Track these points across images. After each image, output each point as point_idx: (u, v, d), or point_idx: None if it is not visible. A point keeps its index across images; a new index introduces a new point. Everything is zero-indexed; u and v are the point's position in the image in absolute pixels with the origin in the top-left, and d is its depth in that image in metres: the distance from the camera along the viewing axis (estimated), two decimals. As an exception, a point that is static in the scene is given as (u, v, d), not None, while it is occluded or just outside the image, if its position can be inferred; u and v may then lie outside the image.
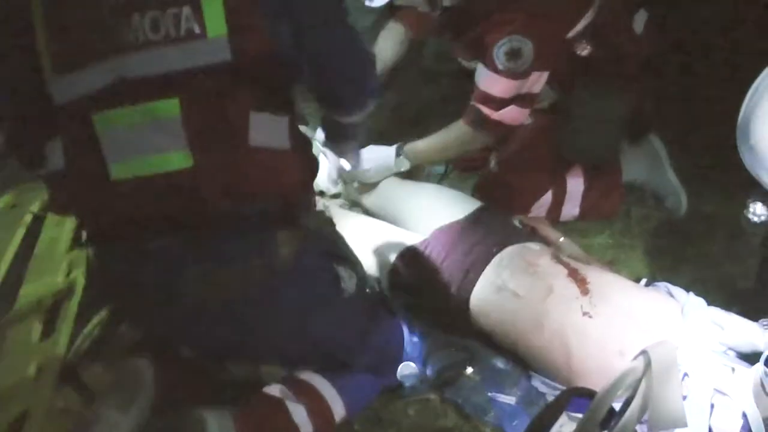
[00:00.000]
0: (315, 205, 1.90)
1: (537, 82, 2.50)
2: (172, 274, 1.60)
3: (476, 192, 2.78)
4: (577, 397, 1.45)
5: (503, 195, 2.72)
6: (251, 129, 1.53)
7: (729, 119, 3.62)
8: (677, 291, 2.27)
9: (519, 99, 2.50)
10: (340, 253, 1.87)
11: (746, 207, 2.17)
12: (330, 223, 2.35)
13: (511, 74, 2.41)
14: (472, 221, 2.46)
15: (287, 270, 1.65)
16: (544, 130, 2.73)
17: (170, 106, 1.48)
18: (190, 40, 1.45)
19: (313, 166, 1.80)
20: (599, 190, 2.85)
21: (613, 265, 2.68)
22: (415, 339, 2.25)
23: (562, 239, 2.53)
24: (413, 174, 2.88)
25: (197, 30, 1.44)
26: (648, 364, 1.36)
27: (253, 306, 1.67)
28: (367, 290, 2.04)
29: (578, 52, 2.60)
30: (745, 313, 2.48)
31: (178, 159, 1.51)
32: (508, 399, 2.10)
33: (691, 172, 3.04)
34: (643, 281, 2.41)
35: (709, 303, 2.30)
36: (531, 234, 2.53)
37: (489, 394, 2.11)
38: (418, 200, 2.65)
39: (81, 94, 1.52)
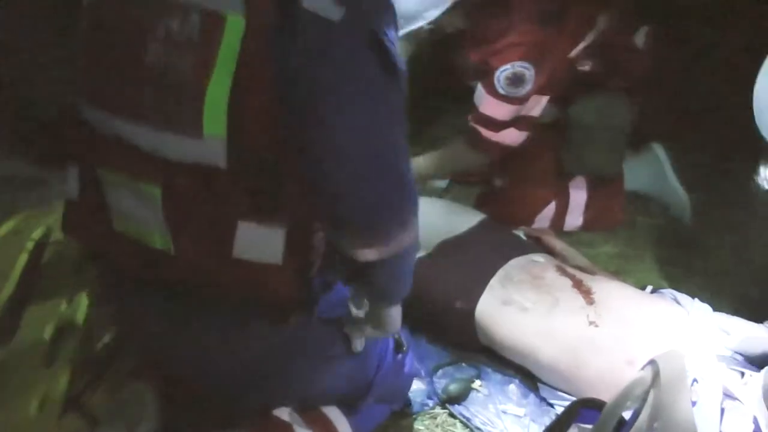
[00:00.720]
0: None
1: (536, 105, 2.52)
2: (170, 328, 1.55)
3: (479, 205, 2.77)
4: (587, 408, 1.43)
5: (506, 208, 2.72)
6: (236, 240, 1.39)
7: (731, 125, 3.63)
8: (683, 298, 2.27)
9: (518, 121, 2.50)
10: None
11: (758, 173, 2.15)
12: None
13: (510, 99, 2.42)
14: (475, 234, 2.46)
15: (288, 339, 1.56)
16: (547, 143, 2.72)
17: (153, 192, 1.39)
18: (184, 134, 1.33)
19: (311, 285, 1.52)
20: (602, 200, 2.84)
21: (618, 274, 2.66)
22: (422, 355, 2.24)
23: (568, 249, 2.52)
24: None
25: (194, 124, 1.31)
26: (657, 374, 1.34)
27: (254, 367, 1.60)
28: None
29: (579, 68, 2.61)
30: (754, 319, 2.49)
31: (160, 240, 1.43)
32: (518, 412, 2.08)
33: (695, 179, 3.03)
34: (649, 288, 2.40)
35: (717, 310, 2.30)
36: (535, 245, 2.52)
37: (498, 407, 2.10)
38: (422, 215, 2.63)
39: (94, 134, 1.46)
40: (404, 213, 1.38)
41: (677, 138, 3.22)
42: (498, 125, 2.48)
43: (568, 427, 1.51)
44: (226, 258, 1.38)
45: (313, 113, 1.27)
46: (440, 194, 3.06)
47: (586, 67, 2.61)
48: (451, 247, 2.38)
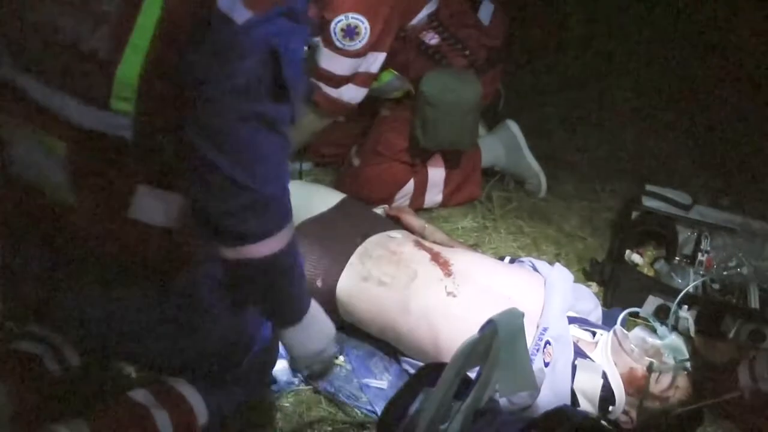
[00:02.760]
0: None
1: (375, 62, 2.53)
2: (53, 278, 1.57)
3: (339, 186, 2.78)
4: (437, 372, 1.46)
5: (365, 188, 2.74)
6: (134, 201, 1.44)
7: (583, 101, 3.80)
8: (541, 265, 2.35)
9: (357, 78, 2.53)
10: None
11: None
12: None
13: (347, 52, 2.44)
14: (334, 214, 2.46)
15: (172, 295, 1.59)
16: (401, 121, 2.75)
17: (58, 146, 1.40)
18: (92, 105, 1.35)
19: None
20: (460, 176, 2.90)
21: (477, 247, 2.74)
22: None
23: (426, 226, 2.56)
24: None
25: (102, 98, 1.34)
26: (494, 332, 1.39)
27: (133, 321, 1.61)
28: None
29: (426, 41, 2.65)
30: (603, 282, 2.62)
31: (60, 192, 1.45)
32: (380, 384, 2.12)
33: (546, 154, 3.15)
34: (507, 259, 2.47)
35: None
36: (394, 223, 2.55)
37: (361, 381, 2.12)
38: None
39: None
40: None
41: (529, 113, 3.36)
42: (337, 80, 2.49)
43: (418, 392, 1.54)
44: (122, 216, 1.44)
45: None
46: (302, 176, 3.04)
47: (432, 41, 2.66)
48: (310, 227, 2.38)
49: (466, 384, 1.43)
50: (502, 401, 1.90)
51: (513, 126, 3.05)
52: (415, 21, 2.57)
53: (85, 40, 1.34)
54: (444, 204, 2.93)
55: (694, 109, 3.83)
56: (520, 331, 1.47)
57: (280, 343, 1.99)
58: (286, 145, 1.43)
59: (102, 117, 1.36)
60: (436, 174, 2.87)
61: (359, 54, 2.46)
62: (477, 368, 1.46)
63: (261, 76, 1.32)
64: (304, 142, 2.78)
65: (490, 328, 1.37)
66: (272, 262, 1.47)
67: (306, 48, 1.43)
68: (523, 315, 1.48)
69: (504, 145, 3.05)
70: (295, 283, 1.59)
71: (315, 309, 1.69)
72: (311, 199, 2.55)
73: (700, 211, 2.76)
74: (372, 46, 2.46)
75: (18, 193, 1.51)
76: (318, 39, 2.48)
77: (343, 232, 2.33)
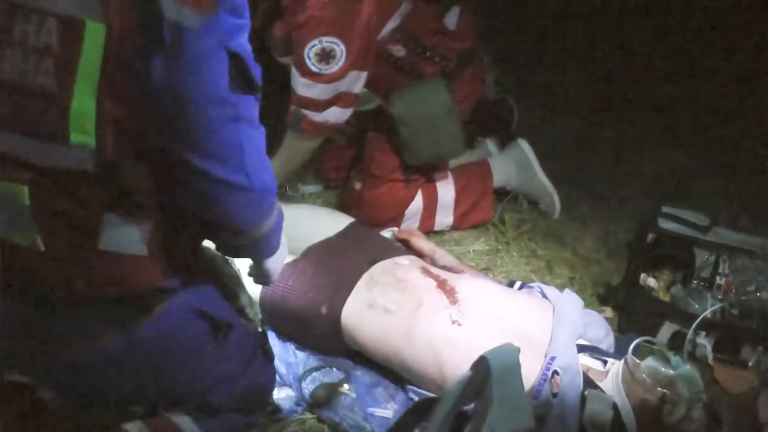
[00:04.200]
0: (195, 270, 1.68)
1: (357, 81, 2.49)
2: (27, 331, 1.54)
3: (344, 211, 2.75)
4: (433, 407, 1.42)
5: (370, 211, 2.71)
6: (102, 232, 1.42)
7: (600, 120, 3.75)
8: (550, 291, 2.29)
9: (339, 100, 2.48)
10: (212, 309, 1.72)
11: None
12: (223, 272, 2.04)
13: (322, 76, 2.39)
14: (341, 239, 2.42)
15: (145, 332, 1.57)
16: (388, 141, 2.71)
17: (20, 192, 1.36)
18: (49, 142, 1.31)
19: (182, 270, 1.60)
20: (471, 198, 2.86)
21: (489, 271, 2.69)
22: (290, 361, 2.20)
23: (436, 249, 2.52)
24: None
25: (59, 133, 1.31)
26: (487, 368, 1.34)
27: (109, 361, 1.58)
28: (249, 333, 1.92)
29: (394, 54, 2.60)
30: (618, 307, 2.56)
31: (25, 238, 1.41)
32: (385, 413, 2.06)
33: (560, 174, 3.10)
34: (518, 284, 2.42)
35: (585, 300, 2.34)
36: (403, 248, 2.51)
37: (366, 410, 2.07)
38: (290, 221, 2.59)
39: None
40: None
41: (542, 133, 3.31)
42: (319, 105, 2.45)
43: (413, 427, 1.49)
44: (93, 250, 1.42)
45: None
46: (312, 200, 3.03)
47: (400, 53, 2.60)
48: (317, 252, 2.34)
49: (464, 420, 1.38)
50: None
51: (524, 144, 3.01)
52: (381, 35, 2.52)
53: (31, 78, 1.29)
54: (455, 227, 2.89)
55: (713, 129, 3.76)
56: (515, 366, 1.42)
57: (276, 369, 1.97)
58: (264, 136, 1.49)
59: (62, 152, 1.32)
60: (446, 195, 2.83)
61: (336, 77, 2.41)
62: (473, 404, 1.41)
63: (231, 75, 1.33)
64: (301, 163, 2.74)
65: (482, 364, 1.32)
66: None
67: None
68: (518, 351, 1.43)
69: (515, 164, 3.00)
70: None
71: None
72: (320, 222, 2.52)
73: (718, 233, 2.68)
74: (351, 65, 2.41)
75: None
76: (289, 62, 2.45)
77: (349, 258, 2.29)
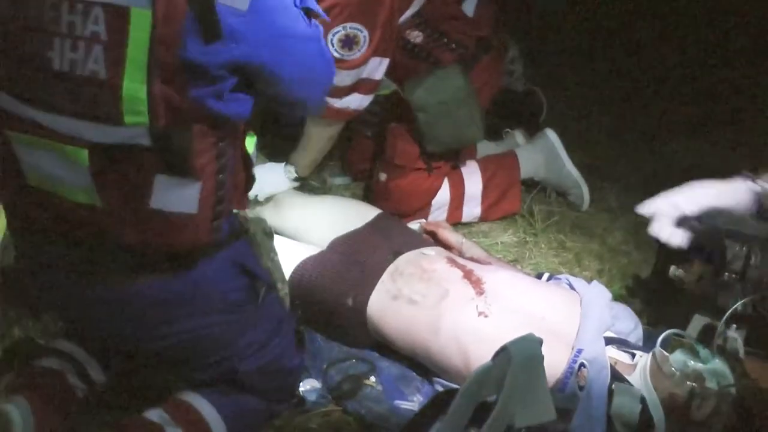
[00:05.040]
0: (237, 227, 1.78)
1: (377, 68, 2.48)
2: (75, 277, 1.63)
3: (371, 202, 2.75)
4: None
5: (397, 202, 2.71)
6: (154, 192, 1.50)
7: (632, 111, 3.71)
8: (578, 283, 2.27)
9: (360, 86, 2.48)
10: (252, 266, 1.79)
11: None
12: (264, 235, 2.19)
13: (346, 62, 2.39)
14: (369, 230, 2.43)
15: (186, 281, 1.64)
16: (408, 129, 2.71)
17: (80, 155, 1.45)
18: (104, 124, 1.41)
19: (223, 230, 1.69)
20: (499, 188, 2.85)
21: (517, 263, 2.67)
22: (315, 353, 2.21)
23: (463, 241, 2.51)
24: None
25: (113, 116, 1.40)
26: (508, 359, 1.33)
27: (145, 302, 1.64)
28: (282, 305, 1.95)
29: (411, 40, 2.60)
30: (648, 300, 2.53)
31: (85, 196, 1.50)
32: (411, 406, 2.06)
33: (589, 166, 3.07)
34: (546, 276, 2.40)
35: (614, 292, 2.32)
36: (429, 239, 2.50)
37: (392, 402, 2.07)
38: (316, 212, 2.61)
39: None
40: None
41: (570, 123, 3.27)
42: (340, 91, 2.45)
43: (434, 419, 1.48)
44: (144, 208, 1.51)
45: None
46: (340, 191, 3.03)
47: (417, 39, 2.60)
48: (343, 244, 2.35)
49: (486, 410, 1.37)
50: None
51: (551, 135, 2.98)
52: (400, 20, 2.51)
53: (81, 66, 1.37)
54: (483, 218, 2.87)
55: (747, 121, 3.70)
56: (537, 357, 1.40)
57: (304, 356, 1.98)
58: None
59: (117, 132, 1.41)
60: (473, 185, 2.81)
61: (359, 63, 2.41)
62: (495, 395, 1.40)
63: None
64: (322, 152, 2.74)
65: (503, 355, 1.31)
66: None
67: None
68: (540, 341, 1.41)
69: (543, 154, 2.98)
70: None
71: None
72: (346, 214, 2.53)
73: (750, 225, 2.63)
74: (374, 52, 2.41)
75: (36, 203, 1.56)
76: None
77: (375, 250, 2.30)
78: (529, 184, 3.01)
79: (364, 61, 2.40)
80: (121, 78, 1.36)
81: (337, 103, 2.46)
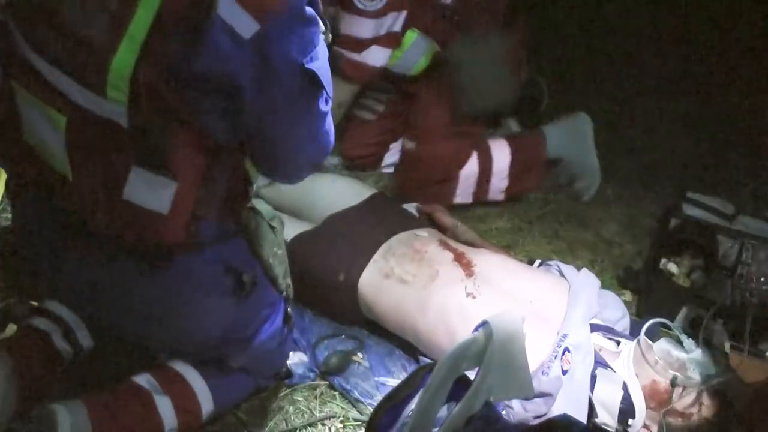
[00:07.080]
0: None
1: (396, 21, 2.53)
2: (56, 245, 1.63)
3: (399, 172, 2.80)
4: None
5: (427, 168, 2.75)
6: (128, 183, 1.46)
7: (624, 102, 3.71)
8: (568, 270, 2.29)
9: (380, 39, 2.52)
10: (240, 265, 1.72)
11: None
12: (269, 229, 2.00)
13: (368, 13, 2.45)
14: (364, 208, 2.43)
15: (161, 275, 1.60)
16: (436, 95, 2.75)
17: (59, 120, 1.45)
18: (90, 90, 1.40)
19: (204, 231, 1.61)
20: (524, 163, 2.87)
21: (510, 249, 2.69)
22: (305, 327, 2.22)
23: (458, 225, 2.52)
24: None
25: (98, 85, 1.39)
26: (489, 334, 1.34)
27: (122, 287, 1.63)
28: (275, 296, 1.89)
29: (441, 2, 2.63)
30: (638, 291, 2.54)
31: (59, 164, 1.50)
32: (396, 383, 2.07)
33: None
34: (537, 262, 2.42)
35: (604, 283, 2.33)
36: (424, 221, 2.52)
37: (377, 379, 2.09)
38: (312, 189, 2.61)
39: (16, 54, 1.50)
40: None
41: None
42: (360, 44, 2.49)
43: (412, 393, 1.50)
44: (116, 197, 1.47)
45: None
46: (340, 170, 3.02)
47: (447, 0, 2.63)
48: (337, 221, 2.36)
49: (466, 384, 1.39)
50: (516, 407, 1.85)
51: (585, 118, 2.97)
52: None
53: (84, 27, 1.37)
54: (508, 192, 2.89)
55: (745, 118, 3.71)
56: (517, 333, 1.42)
57: (292, 335, 1.98)
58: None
59: (98, 102, 1.40)
60: (502, 160, 2.84)
61: (380, 14, 2.46)
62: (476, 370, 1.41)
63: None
64: (340, 115, 2.75)
65: (484, 328, 1.32)
66: None
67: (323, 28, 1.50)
68: (522, 318, 1.43)
69: (572, 137, 2.96)
70: None
71: None
72: (342, 192, 2.54)
73: (743, 222, 2.65)
74: (391, 6, 2.46)
75: (29, 159, 1.56)
76: (333, 10, 2.49)
77: (369, 228, 2.31)
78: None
79: (384, 12, 2.46)
80: (115, 49, 1.35)
81: (356, 56, 2.51)
